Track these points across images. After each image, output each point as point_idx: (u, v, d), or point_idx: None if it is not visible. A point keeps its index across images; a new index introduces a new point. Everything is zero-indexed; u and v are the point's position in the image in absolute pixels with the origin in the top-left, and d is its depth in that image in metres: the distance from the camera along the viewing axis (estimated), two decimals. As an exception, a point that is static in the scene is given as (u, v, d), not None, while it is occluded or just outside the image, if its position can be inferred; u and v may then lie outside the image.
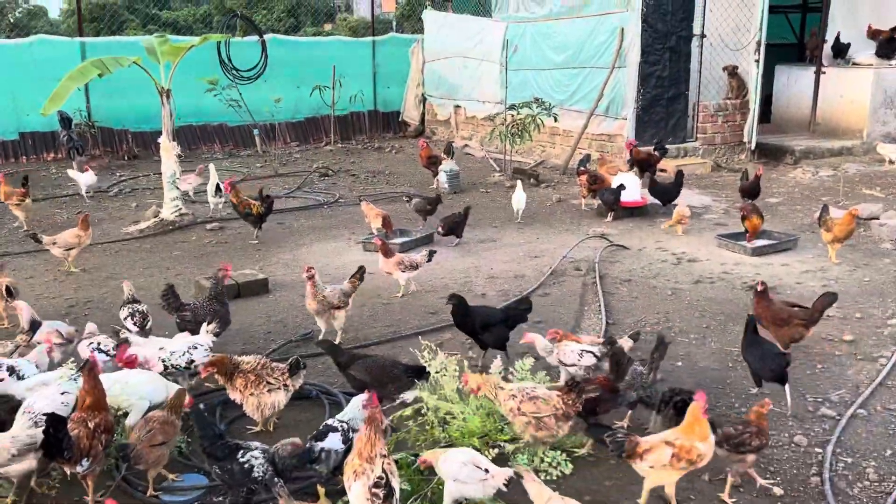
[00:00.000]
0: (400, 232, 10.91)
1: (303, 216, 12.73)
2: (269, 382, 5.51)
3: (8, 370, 5.46)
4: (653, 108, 15.56)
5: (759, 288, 6.82)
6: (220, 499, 4.74)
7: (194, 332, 6.42)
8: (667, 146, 14.25)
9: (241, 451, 4.56)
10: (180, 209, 11.87)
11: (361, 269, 7.60)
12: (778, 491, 4.84)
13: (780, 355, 5.86)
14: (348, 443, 4.64)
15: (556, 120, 14.77)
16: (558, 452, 5.14)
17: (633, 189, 11.93)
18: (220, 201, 12.21)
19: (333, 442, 4.66)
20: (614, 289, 8.71)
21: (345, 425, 4.78)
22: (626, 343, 6.05)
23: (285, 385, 5.55)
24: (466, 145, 19.26)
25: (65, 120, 14.22)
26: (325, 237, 11.24)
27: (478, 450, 4.81)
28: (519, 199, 11.86)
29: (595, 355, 5.92)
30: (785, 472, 5.07)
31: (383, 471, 3.99)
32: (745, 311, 7.85)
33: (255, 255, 10.32)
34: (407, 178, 15.90)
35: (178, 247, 10.90)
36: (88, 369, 4.87)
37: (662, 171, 13.40)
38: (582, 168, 13.05)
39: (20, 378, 5.47)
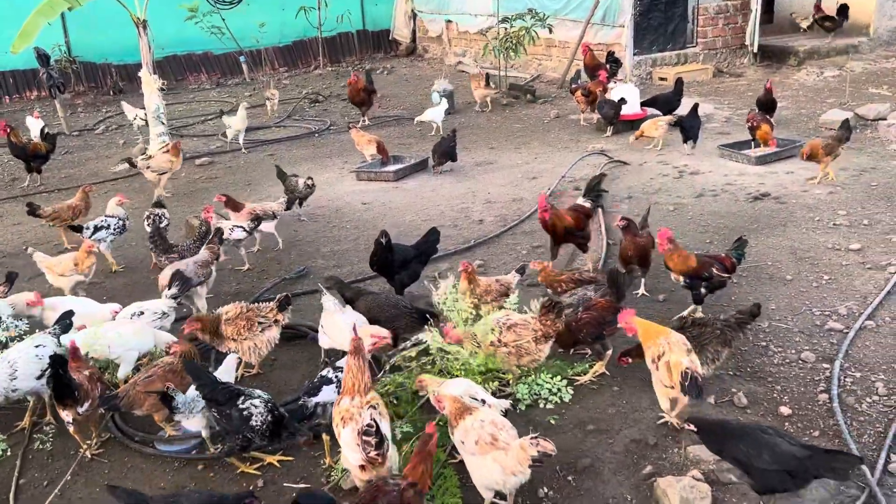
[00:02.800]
0: (394, 158, 10.62)
1: (294, 146, 12.41)
2: (260, 322, 5.42)
3: None
4: (651, 13, 14.96)
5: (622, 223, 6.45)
6: (217, 447, 4.67)
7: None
8: (620, 60, 13.86)
9: (242, 398, 4.46)
10: (167, 144, 11.53)
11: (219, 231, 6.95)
12: (786, 410, 4.75)
13: None
14: None
15: (550, 31, 14.22)
16: (559, 379, 5.06)
17: (634, 102, 11.55)
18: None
19: (328, 395, 4.53)
20: (615, 207, 8.48)
21: (340, 375, 4.64)
22: (513, 278, 5.96)
23: (276, 321, 5.52)
24: (460, 62, 18.67)
25: (42, 57, 13.71)
26: (317, 167, 10.95)
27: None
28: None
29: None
30: (792, 391, 4.96)
31: (372, 418, 3.87)
32: (748, 224, 7.68)
33: (246, 190, 10.07)
34: (399, 100, 15.46)
35: (167, 183, 10.64)
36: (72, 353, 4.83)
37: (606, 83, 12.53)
38: (574, 85, 12.64)
39: None
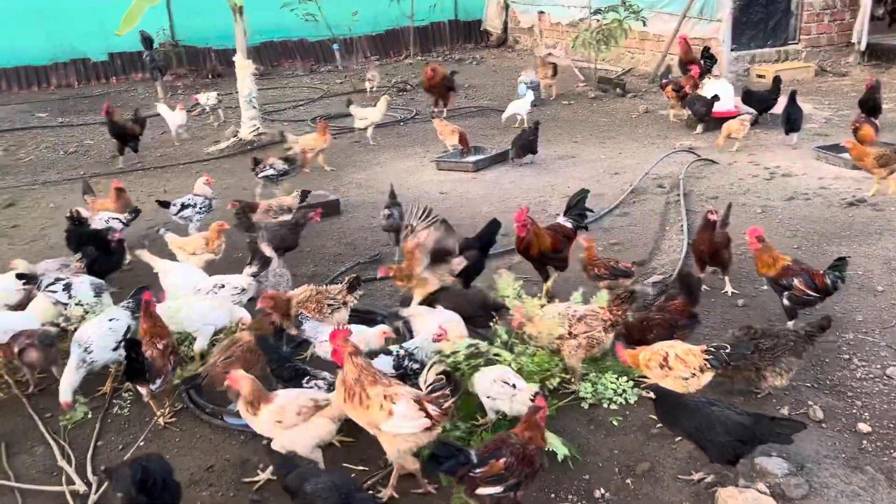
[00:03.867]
0: (475, 149, 10.61)
1: (379, 133, 12.52)
2: (329, 304, 5.53)
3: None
4: (751, 7, 14.39)
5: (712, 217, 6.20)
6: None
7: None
8: (715, 56, 13.26)
9: (308, 378, 4.58)
10: (258, 128, 11.90)
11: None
12: (865, 427, 4.50)
13: None
14: (401, 370, 4.59)
15: (644, 24, 13.89)
16: (625, 380, 4.96)
17: (727, 99, 11.14)
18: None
19: (382, 364, 4.58)
20: (699, 207, 8.21)
21: (401, 351, 4.69)
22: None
23: (345, 302, 5.63)
24: (550, 54, 18.44)
25: (146, 40, 14.36)
26: (399, 156, 11.05)
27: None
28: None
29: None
30: (874, 407, 4.71)
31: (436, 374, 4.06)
32: (840, 231, 7.32)
33: (328, 175, 10.26)
34: (486, 90, 15.42)
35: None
36: (145, 309, 5.00)
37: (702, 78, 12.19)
38: (665, 80, 12.30)
39: None
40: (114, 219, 7.51)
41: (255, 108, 11.83)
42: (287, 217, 7.31)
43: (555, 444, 4.24)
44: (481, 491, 3.64)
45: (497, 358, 4.90)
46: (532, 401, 4.25)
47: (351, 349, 4.10)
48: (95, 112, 15.09)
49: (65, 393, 4.90)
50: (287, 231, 6.95)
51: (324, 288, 5.69)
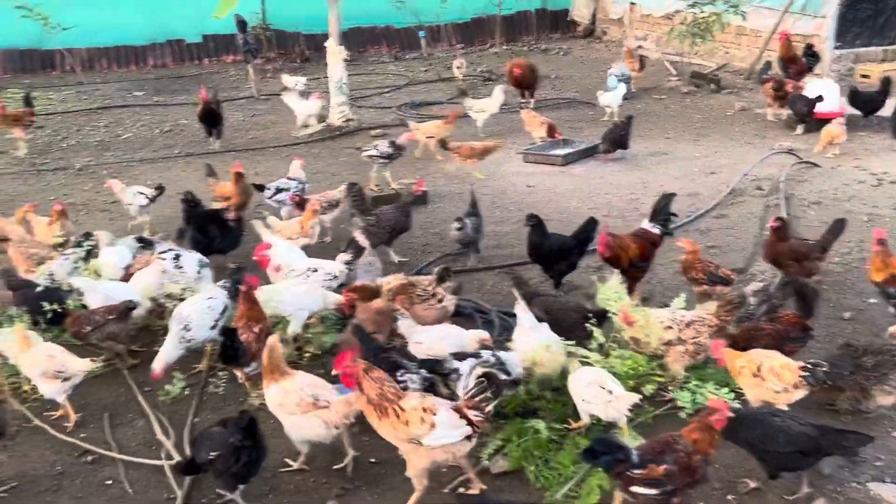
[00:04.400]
0: (563, 142, 10.44)
1: (464, 123, 12.43)
2: (418, 295, 5.51)
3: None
4: (859, 4, 13.67)
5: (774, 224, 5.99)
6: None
7: (377, 237, 6.69)
8: (818, 54, 12.59)
9: (401, 371, 4.53)
10: (346, 115, 11.99)
11: None
12: None
13: None
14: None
15: (743, 18, 13.38)
16: (726, 391, 4.78)
17: (831, 99, 10.64)
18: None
19: (463, 368, 4.45)
20: (801, 212, 7.88)
21: (490, 360, 4.55)
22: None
23: (434, 294, 5.58)
24: (640, 46, 17.99)
25: (241, 23, 14.63)
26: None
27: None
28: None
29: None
30: None
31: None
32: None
33: (415, 165, 10.26)
34: (574, 82, 15.15)
35: (344, 152, 11.06)
36: (244, 293, 5.09)
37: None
38: (766, 76, 11.83)
39: None
40: (140, 193, 7.76)
41: (344, 94, 11.91)
42: (335, 211, 7.34)
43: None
44: (636, 489, 3.65)
45: (586, 360, 4.80)
46: (630, 411, 4.14)
47: (364, 366, 3.96)
48: (189, 92, 15.50)
49: (157, 363, 5.05)
50: (399, 214, 6.98)
51: (414, 278, 5.67)
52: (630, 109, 11.95)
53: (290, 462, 4.44)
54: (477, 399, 3.92)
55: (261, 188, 7.90)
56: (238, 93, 15.32)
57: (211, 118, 11.09)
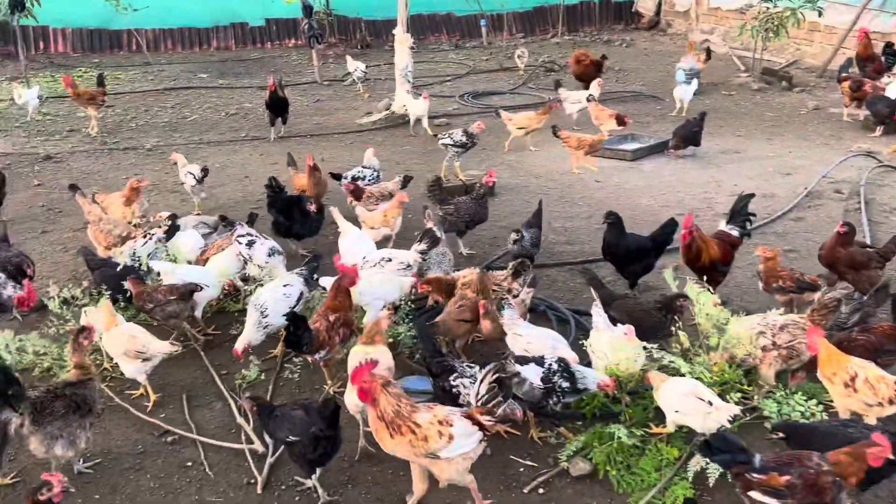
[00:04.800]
0: (631, 137, 10.26)
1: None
2: (493, 290, 5.47)
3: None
4: (945, 0, 13.15)
5: (842, 230, 5.79)
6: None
7: (455, 226, 6.78)
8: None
9: (454, 375, 4.47)
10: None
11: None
12: None
13: None
14: (548, 384, 4.40)
15: (820, 14, 12.95)
16: (814, 403, 4.63)
17: (914, 99, 10.27)
18: None
19: (531, 373, 4.44)
20: (883, 218, 7.62)
21: (553, 366, 4.47)
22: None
23: (509, 290, 5.54)
24: (707, 40, 17.60)
25: (307, 8, 14.72)
26: (551, 139, 10.74)
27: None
28: None
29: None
30: None
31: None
32: None
33: (480, 154, 10.18)
34: (638, 74, 14.88)
35: (408, 140, 11.05)
36: (338, 282, 5.12)
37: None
38: (844, 74, 11.45)
39: None
40: (189, 173, 7.98)
41: (409, 81, 11.87)
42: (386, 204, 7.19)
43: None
44: (754, 495, 3.60)
45: (672, 366, 4.69)
46: (730, 422, 4.05)
47: (382, 381, 3.88)
48: (252, 76, 15.70)
49: (239, 343, 5.15)
50: (475, 204, 6.96)
51: (490, 274, 5.63)
52: (699, 105, 11.70)
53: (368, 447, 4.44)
54: (490, 405, 3.87)
55: (337, 177, 7.92)
56: (300, 77, 15.42)
57: (278, 106, 11.11)
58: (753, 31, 13.29)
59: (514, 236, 6.39)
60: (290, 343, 4.97)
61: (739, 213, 6.25)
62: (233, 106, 13.23)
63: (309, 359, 5.16)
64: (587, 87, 12.91)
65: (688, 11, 18.96)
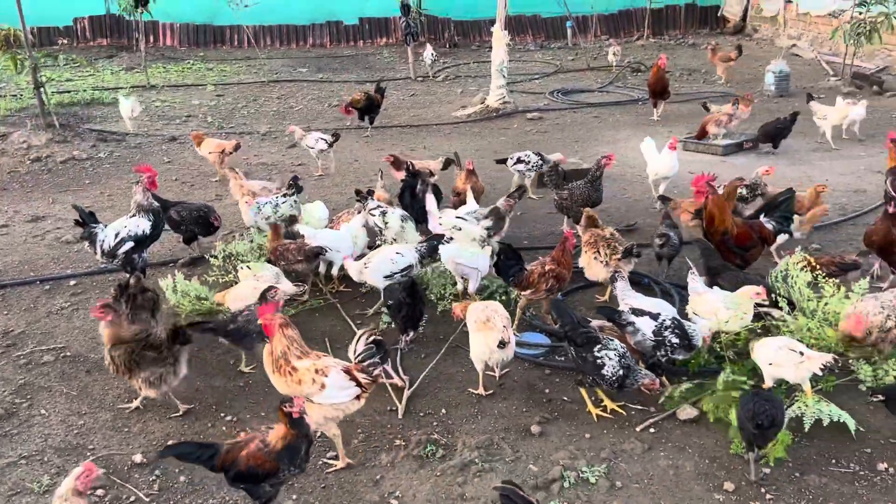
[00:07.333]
0: (723, 134, 10.57)
1: (617, 111, 12.79)
2: (598, 252, 5.96)
3: None
4: None
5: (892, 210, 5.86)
6: (562, 358, 5.31)
7: (567, 210, 7.21)
8: None
9: (599, 347, 4.66)
10: (504, 98, 12.53)
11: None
12: None
13: None
14: (659, 336, 4.75)
15: (915, 19, 12.97)
16: (908, 366, 4.95)
17: None
18: None
19: (643, 324, 4.81)
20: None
21: (666, 322, 4.80)
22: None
23: (607, 263, 5.88)
24: (794, 45, 17.68)
25: (405, 7, 15.46)
26: (640, 133, 11.20)
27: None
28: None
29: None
30: None
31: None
32: None
33: (573, 146, 10.67)
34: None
35: (502, 132, 11.61)
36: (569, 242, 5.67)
37: None
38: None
39: None
40: (321, 138, 9.29)
41: (503, 77, 12.44)
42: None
43: (842, 415, 4.41)
44: None
45: (780, 322, 5.11)
46: (822, 370, 4.39)
47: (281, 321, 4.25)
48: (349, 71, 16.54)
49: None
50: (588, 187, 7.13)
51: (615, 242, 6.04)
52: (789, 107, 11.91)
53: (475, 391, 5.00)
54: (365, 363, 4.23)
55: (502, 161, 8.55)
56: (394, 73, 16.16)
57: (370, 109, 11.45)
58: (845, 37, 13.40)
59: (658, 241, 6.40)
60: (497, 270, 5.66)
61: (777, 207, 6.19)
62: (334, 98, 14.02)
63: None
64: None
65: (775, 17, 19.02)
